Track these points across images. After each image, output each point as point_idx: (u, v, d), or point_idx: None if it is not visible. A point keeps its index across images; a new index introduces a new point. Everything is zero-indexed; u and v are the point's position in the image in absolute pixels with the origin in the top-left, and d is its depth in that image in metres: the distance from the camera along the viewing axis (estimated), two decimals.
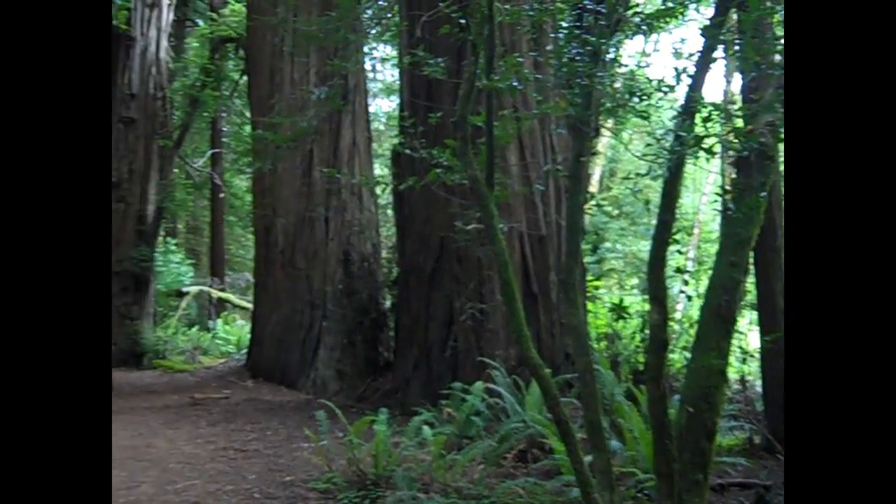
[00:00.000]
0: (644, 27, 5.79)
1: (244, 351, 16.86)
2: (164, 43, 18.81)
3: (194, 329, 21.34)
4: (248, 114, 20.64)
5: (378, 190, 14.60)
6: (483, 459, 6.61)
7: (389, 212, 17.06)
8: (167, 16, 18.98)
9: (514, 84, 5.20)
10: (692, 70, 4.56)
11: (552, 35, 5.60)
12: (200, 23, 23.60)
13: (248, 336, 16.34)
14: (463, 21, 5.26)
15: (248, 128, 22.17)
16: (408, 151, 6.46)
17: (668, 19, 6.49)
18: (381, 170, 21.66)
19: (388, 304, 13.80)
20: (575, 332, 4.78)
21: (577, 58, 4.71)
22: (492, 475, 6.38)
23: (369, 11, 11.24)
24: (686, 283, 9.15)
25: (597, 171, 21.20)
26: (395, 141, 14.32)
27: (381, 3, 12.12)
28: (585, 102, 4.75)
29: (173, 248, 25.05)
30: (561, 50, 4.84)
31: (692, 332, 8.81)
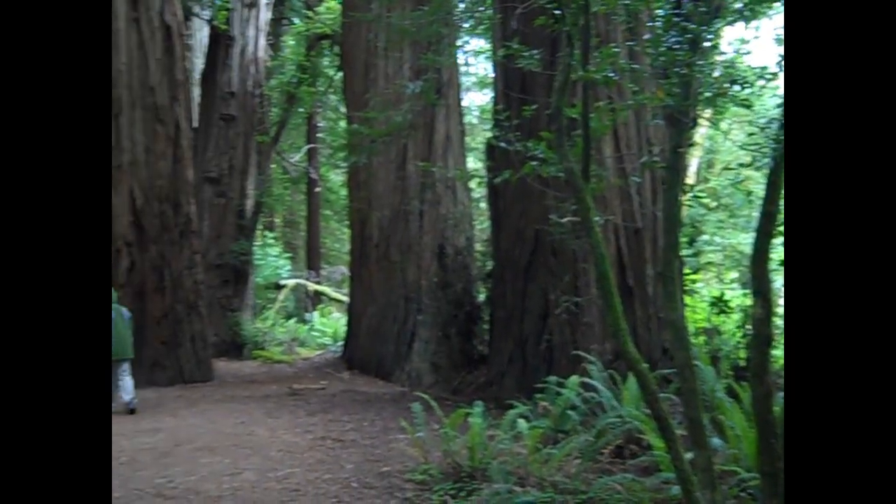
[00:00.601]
0: (745, 13, 5.63)
1: (340, 343, 17.15)
2: (262, 42, 19.25)
3: (292, 321, 21.81)
4: (343, 109, 20.97)
5: (472, 183, 14.62)
6: (579, 454, 6.56)
7: (483, 205, 17.08)
8: (265, 15, 19.42)
9: (610, 75, 5.12)
10: None
11: (649, 24, 5.49)
12: (297, 21, 24.03)
13: (344, 328, 16.62)
14: (558, 12, 5.20)
15: (343, 123, 22.50)
16: (502, 144, 6.45)
17: (769, 4, 6.30)
18: (474, 163, 21.68)
19: (482, 297, 13.82)
20: (674, 327, 4.68)
21: (676, 46, 4.61)
22: (588, 470, 6.31)
23: (462, 5, 11.23)
24: None
25: (694, 162, 20.75)
26: (489, 134, 14.31)
27: None
28: (684, 92, 4.65)
29: (271, 241, 25.65)
30: (658, 38, 4.74)
31: None
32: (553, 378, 8.30)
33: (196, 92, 18.95)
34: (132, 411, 9.78)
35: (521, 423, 6.75)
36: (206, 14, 18.97)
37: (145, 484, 6.29)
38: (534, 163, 5.71)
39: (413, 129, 13.32)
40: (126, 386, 9.96)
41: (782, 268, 5.98)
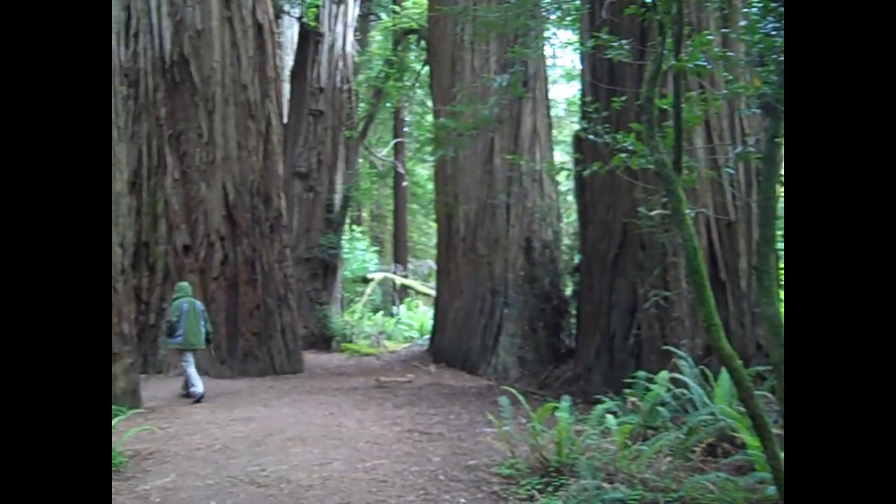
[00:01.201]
0: None
1: (426, 336, 17.25)
2: (350, 37, 19.48)
3: (379, 314, 22.04)
4: (429, 103, 21.07)
5: (560, 176, 14.50)
6: (670, 451, 6.43)
7: (570, 198, 16.92)
8: (353, 11, 19.64)
9: (703, 63, 4.99)
10: None
11: (744, 10, 5.33)
12: (384, 16, 24.23)
13: (431, 322, 16.70)
14: (649, 0, 5.09)
15: (429, 117, 22.61)
16: (590, 136, 6.37)
17: None
18: (561, 156, 21.51)
19: (569, 290, 13.71)
20: (770, 322, 4.55)
21: (773, 32, 4.46)
22: (679, 468, 6.19)
23: None
24: None
25: None
26: (576, 126, 14.17)
27: None
28: (781, 79, 4.49)
29: (359, 235, 25.96)
30: (755, 25, 4.60)
31: None
32: (642, 373, 8.17)
33: (286, 88, 19.31)
34: (198, 401, 10.20)
35: (610, 418, 6.65)
36: (296, 12, 19.29)
37: (239, 471, 6.44)
38: (623, 155, 5.62)
39: (500, 123, 13.28)
40: (191, 374, 10.42)
41: None
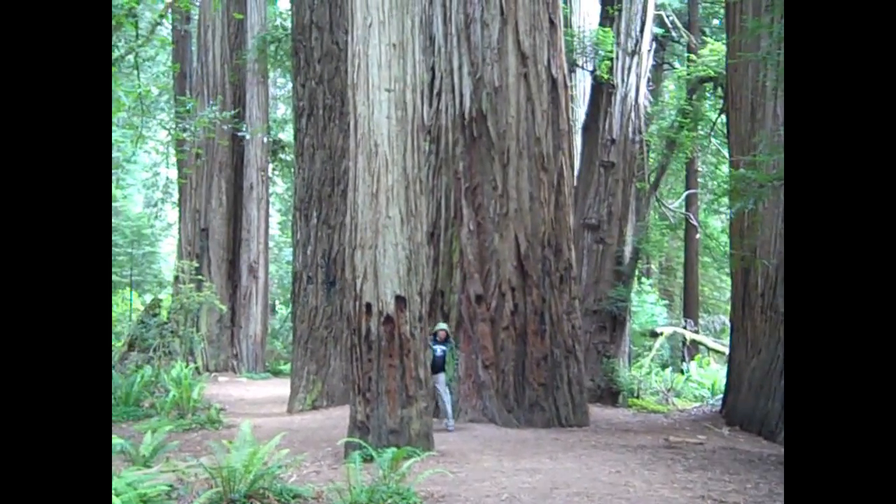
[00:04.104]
0: None
1: (718, 396, 16.45)
2: (643, 88, 19.34)
3: (667, 370, 21.37)
4: (725, 153, 20.31)
5: None
6: None
7: None
8: (646, 62, 19.51)
9: None
10: None
11: None
12: (678, 65, 23.82)
13: (723, 381, 15.90)
14: None
15: (725, 167, 21.79)
16: None
17: None
18: None
19: None
20: None
21: None
22: None
23: None
24: None
25: None
26: None
27: None
28: None
29: (648, 288, 25.44)
30: None
31: None
32: None
33: (578, 140, 19.50)
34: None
35: None
36: (590, 65, 19.49)
37: None
38: None
39: None
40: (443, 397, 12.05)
41: None
